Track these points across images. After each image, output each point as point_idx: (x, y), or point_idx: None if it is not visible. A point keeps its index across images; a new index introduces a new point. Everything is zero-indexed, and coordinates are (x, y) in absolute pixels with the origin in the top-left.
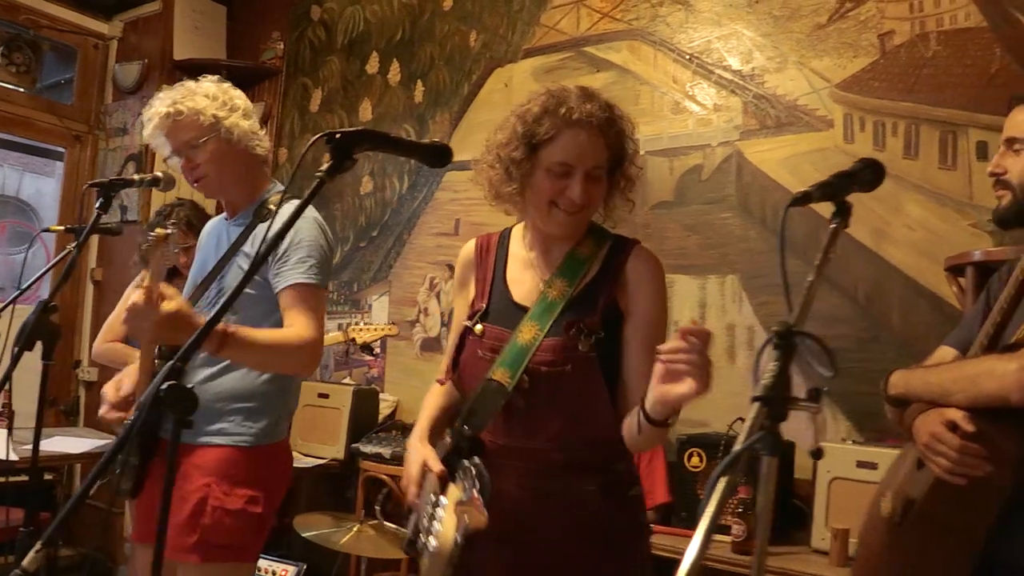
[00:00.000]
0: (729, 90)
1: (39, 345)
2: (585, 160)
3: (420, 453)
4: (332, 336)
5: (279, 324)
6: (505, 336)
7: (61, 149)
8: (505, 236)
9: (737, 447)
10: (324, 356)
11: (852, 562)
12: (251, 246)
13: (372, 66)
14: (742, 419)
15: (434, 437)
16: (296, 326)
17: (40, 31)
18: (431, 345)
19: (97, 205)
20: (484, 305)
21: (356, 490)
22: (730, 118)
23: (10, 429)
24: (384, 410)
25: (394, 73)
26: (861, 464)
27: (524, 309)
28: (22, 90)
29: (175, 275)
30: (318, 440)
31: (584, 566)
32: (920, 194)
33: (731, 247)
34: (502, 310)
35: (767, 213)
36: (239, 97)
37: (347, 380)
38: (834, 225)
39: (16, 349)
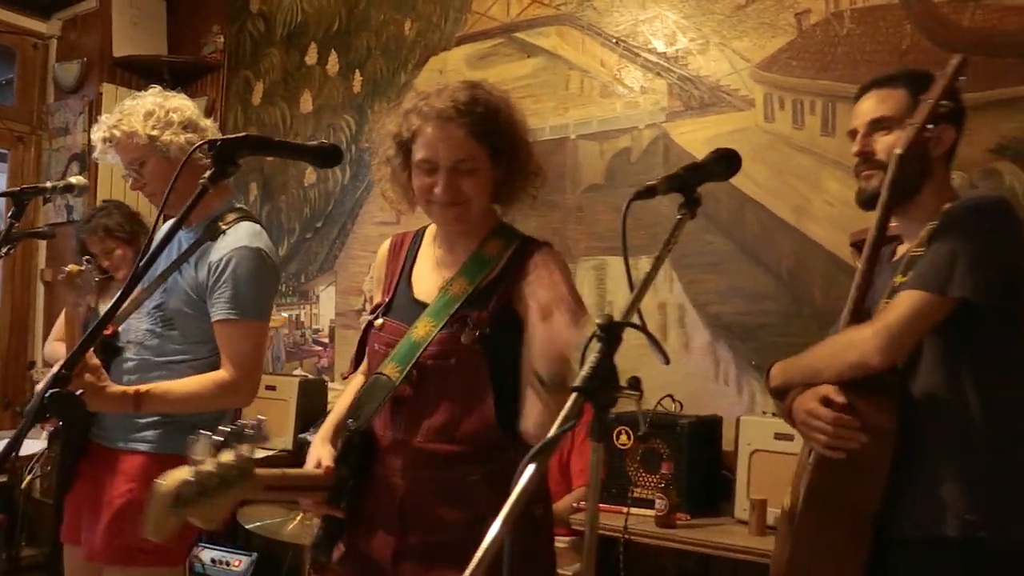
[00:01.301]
0: (655, 72)
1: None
2: (443, 155)
3: (316, 452)
4: None
5: None
6: (402, 331)
7: (4, 151)
8: (420, 234)
9: (551, 434)
10: (276, 348)
11: (771, 531)
12: (193, 266)
13: (311, 57)
14: (671, 396)
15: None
16: (221, 368)
17: None
18: None
19: (9, 215)
20: (387, 300)
21: None
22: (656, 100)
23: None
24: (334, 399)
25: (332, 64)
26: (779, 436)
27: (424, 306)
28: None
29: (110, 280)
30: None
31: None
32: (838, 170)
33: (660, 227)
34: (403, 306)
35: None
36: (176, 109)
37: (298, 371)
38: (679, 216)
39: None
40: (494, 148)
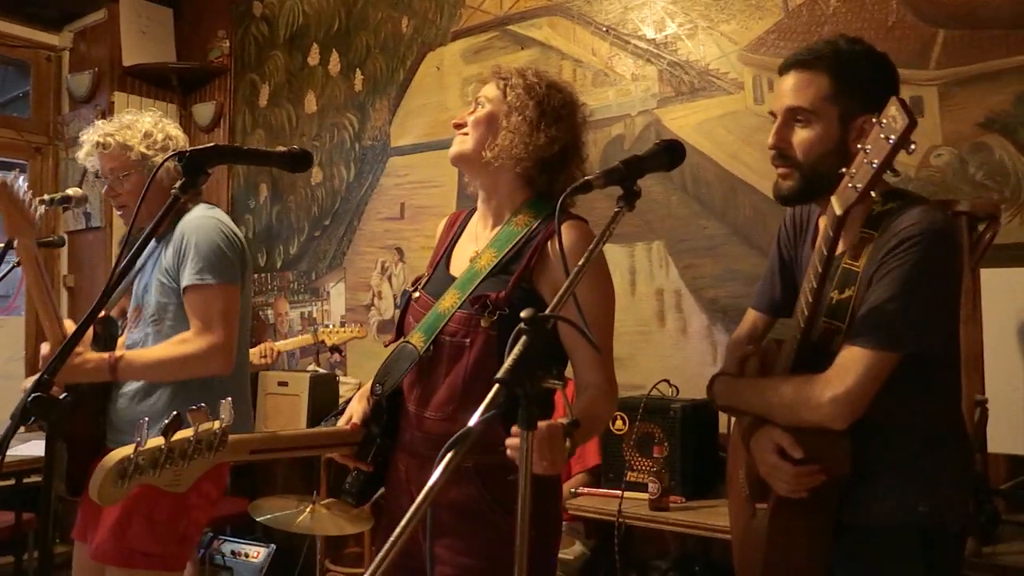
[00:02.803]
0: (645, 59)
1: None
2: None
3: (351, 408)
4: (302, 339)
5: None
6: (431, 304)
7: (23, 162)
8: (472, 211)
9: (469, 425)
10: None
11: None
12: (163, 256)
13: (313, 58)
14: (667, 380)
15: None
16: (191, 333)
17: None
18: (387, 328)
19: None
20: (428, 274)
21: (319, 471)
22: (648, 87)
23: None
24: (347, 393)
25: (334, 64)
26: None
27: (454, 279)
28: None
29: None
30: (280, 427)
31: (451, 544)
32: None
33: (654, 214)
34: (438, 280)
35: (687, 179)
36: (173, 137)
37: (312, 366)
38: (617, 209)
39: None
40: (536, 113)
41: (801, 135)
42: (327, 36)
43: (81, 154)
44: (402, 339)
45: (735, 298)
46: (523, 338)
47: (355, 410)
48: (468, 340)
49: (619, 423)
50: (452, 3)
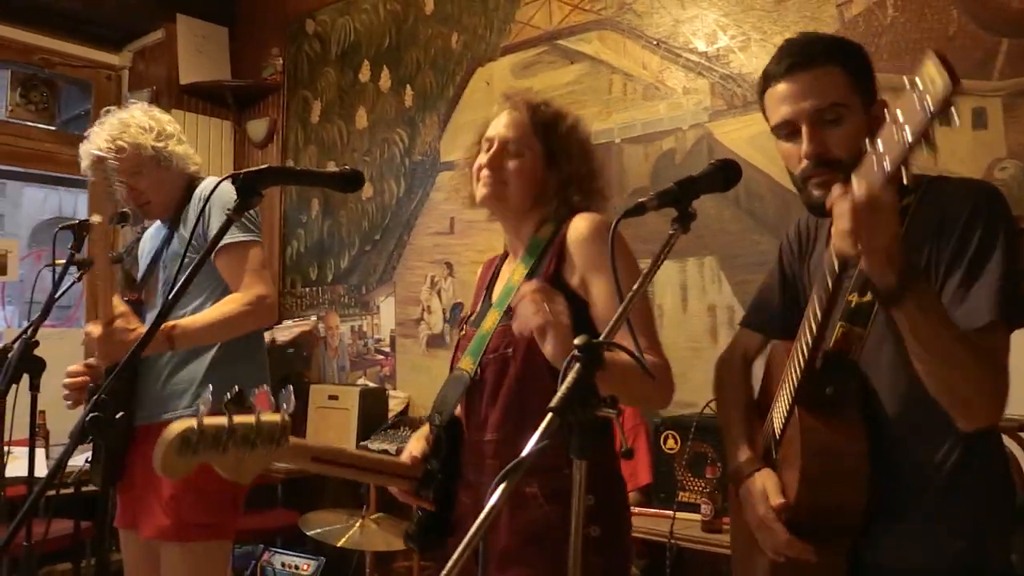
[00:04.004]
0: (697, 72)
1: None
2: (500, 133)
3: (409, 446)
4: None
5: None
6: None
7: (83, 178)
8: (505, 255)
9: (524, 454)
10: (340, 357)
11: None
12: (184, 228)
13: (364, 74)
14: None
15: None
16: (234, 292)
17: (54, 69)
18: (436, 342)
19: (69, 245)
20: (473, 311)
21: (368, 486)
22: (699, 100)
23: (47, 447)
24: (396, 407)
25: (384, 80)
26: None
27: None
28: (42, 126)
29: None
30: (330, 440)
31: (518, 573)
32: None
33: (706, 229)
34: (482, 313)
35: (740, 193)
36: (169, 123)
37: (362, 380)
38: (671, 232)
39: (3, 383)
40: (549, 149)
41: (838, 133)
42: (378, 52)
43: (85, 165)
44: (455, 368)
45: None
46: (576, 365)
47: (413, 447)
48: (510, 350)
49: (671, 442)
50: (502, 18)
